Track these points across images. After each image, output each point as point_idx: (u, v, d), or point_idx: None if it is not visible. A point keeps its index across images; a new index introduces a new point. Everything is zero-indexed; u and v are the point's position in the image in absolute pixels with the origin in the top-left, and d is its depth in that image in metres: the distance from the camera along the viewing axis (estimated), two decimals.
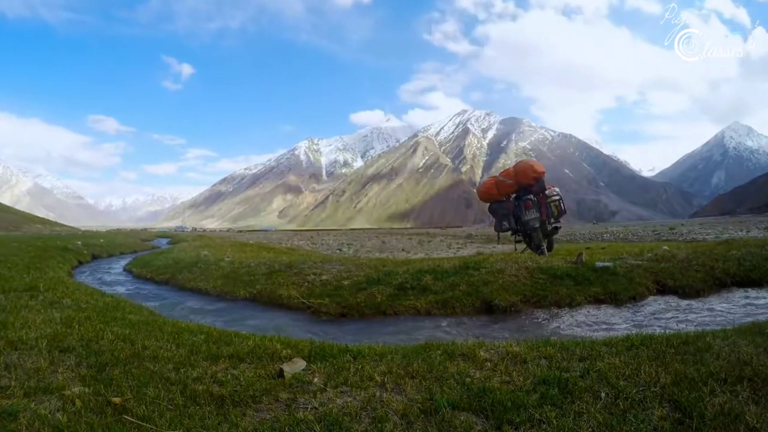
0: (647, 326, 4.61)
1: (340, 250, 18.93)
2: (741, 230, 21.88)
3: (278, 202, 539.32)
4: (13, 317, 4.21)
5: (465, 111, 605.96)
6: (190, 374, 2.80)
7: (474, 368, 2.81)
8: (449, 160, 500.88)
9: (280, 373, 2.76)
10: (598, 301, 5.82)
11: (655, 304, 5.73)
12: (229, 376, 2.78)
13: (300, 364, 2.93)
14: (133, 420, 2.18)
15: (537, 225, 8.62)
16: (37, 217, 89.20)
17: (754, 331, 3.27)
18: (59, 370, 2.85)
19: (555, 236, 9.26)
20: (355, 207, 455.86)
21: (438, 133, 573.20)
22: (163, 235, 49.12)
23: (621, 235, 23.88)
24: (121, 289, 8.94)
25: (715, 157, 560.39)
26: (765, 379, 2.34)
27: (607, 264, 6.67)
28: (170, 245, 24.79)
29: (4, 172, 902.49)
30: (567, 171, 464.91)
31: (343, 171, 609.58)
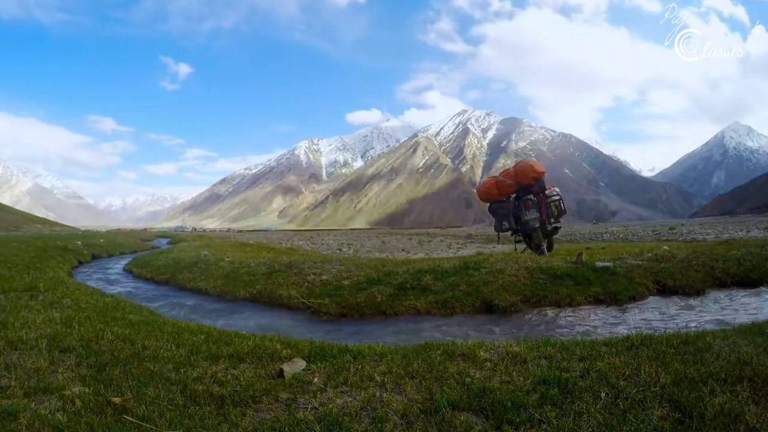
0: (647, 326, 4.61)
1: (340, 250, 18.94)
2: (741, 230, 21.89)
3: (278, 202, 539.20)
4: (13, 317, 4.21)
5: (465, 111, 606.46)
6: (190, 374, 2.80)
7: (474, 368, 2.80)
8: (449, 160, 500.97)
9: (280, 373, 2.76)
10: (598, 301, 5.82)
11: (655, 304, 5.72)
12: (229, 376, 2.78)
13: (300, 364, 2.93)
14: (133, 420, 2.18)
15: (537, 225, 8.63)
16: (37, 217, 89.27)
17: (754, 331, 3.27)
18: (59, 370, 2.85)
19: (555, 236, 9.27)
20: (355, 207, 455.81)
21: (438, 133, 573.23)
22: (163, 235, 49.15)
23: (621, 235, 23.90)
24: (121, 289, 8.93)
25: (715, 157, 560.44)
26: (765, 379, 2.34)
27: (607, 264, 6.67)
28: (170, 245, 24.79)
29: (4, 172, 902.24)
30: (567, 171, 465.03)
31: (343, 171, 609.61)
